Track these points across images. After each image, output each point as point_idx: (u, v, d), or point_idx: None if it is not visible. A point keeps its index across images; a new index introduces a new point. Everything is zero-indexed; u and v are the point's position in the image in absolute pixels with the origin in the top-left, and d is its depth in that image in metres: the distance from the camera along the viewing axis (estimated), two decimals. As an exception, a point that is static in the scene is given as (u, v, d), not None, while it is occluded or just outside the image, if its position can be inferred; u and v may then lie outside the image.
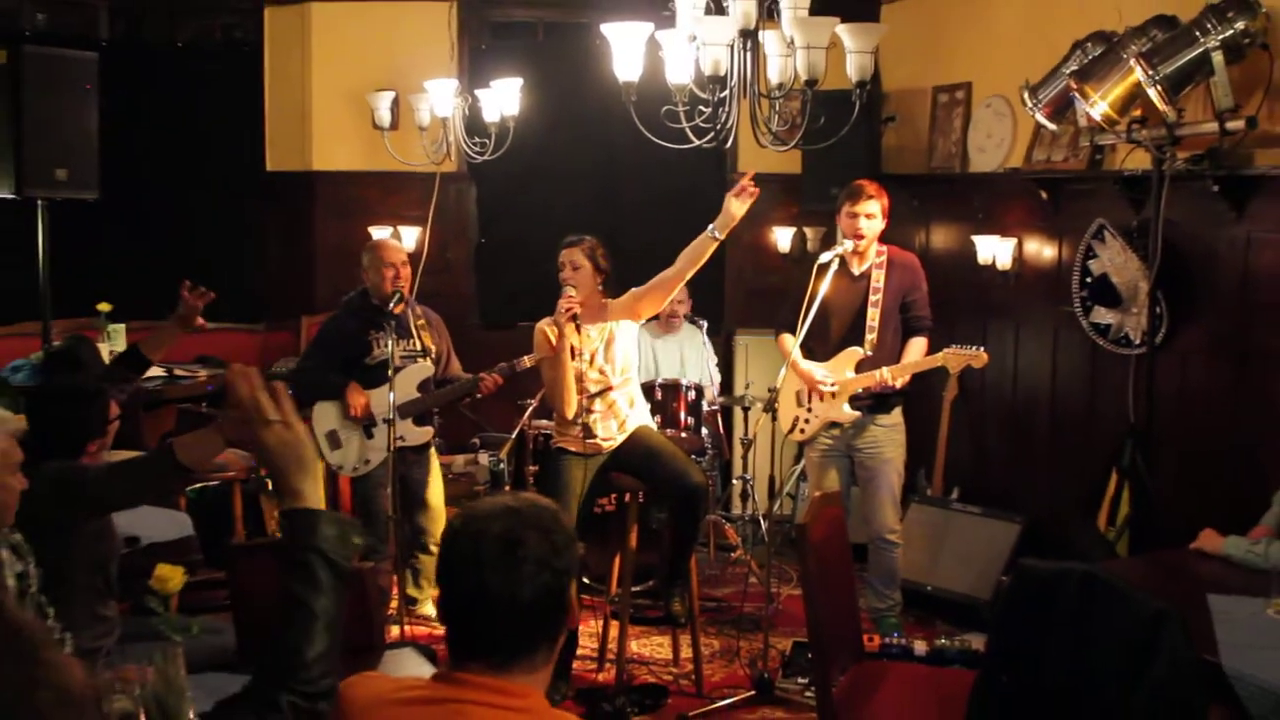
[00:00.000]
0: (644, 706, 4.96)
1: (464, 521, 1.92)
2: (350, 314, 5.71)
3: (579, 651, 5.36)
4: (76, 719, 1.53)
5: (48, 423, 3.72)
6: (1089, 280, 5.78)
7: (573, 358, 4.94)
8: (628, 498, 5.15)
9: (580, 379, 4.97)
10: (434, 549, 5.88)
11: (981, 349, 5.36)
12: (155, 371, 6.54)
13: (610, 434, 5.06)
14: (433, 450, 5.93)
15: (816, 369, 5.40)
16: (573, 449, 5.07)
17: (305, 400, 6.06)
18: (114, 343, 6.54)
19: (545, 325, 5.06)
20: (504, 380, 5.64)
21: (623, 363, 5.08)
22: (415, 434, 5.69)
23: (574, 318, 4.88)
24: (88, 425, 3.75)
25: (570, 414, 5.00)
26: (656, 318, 7.04)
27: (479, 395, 5.71)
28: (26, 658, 1.50)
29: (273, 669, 1.86)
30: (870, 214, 5.29)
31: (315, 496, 2.00)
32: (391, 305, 5.46)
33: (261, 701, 1.83)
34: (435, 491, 5.89)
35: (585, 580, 5.63)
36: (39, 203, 5.48)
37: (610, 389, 5.06)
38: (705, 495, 5.05)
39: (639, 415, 5.16)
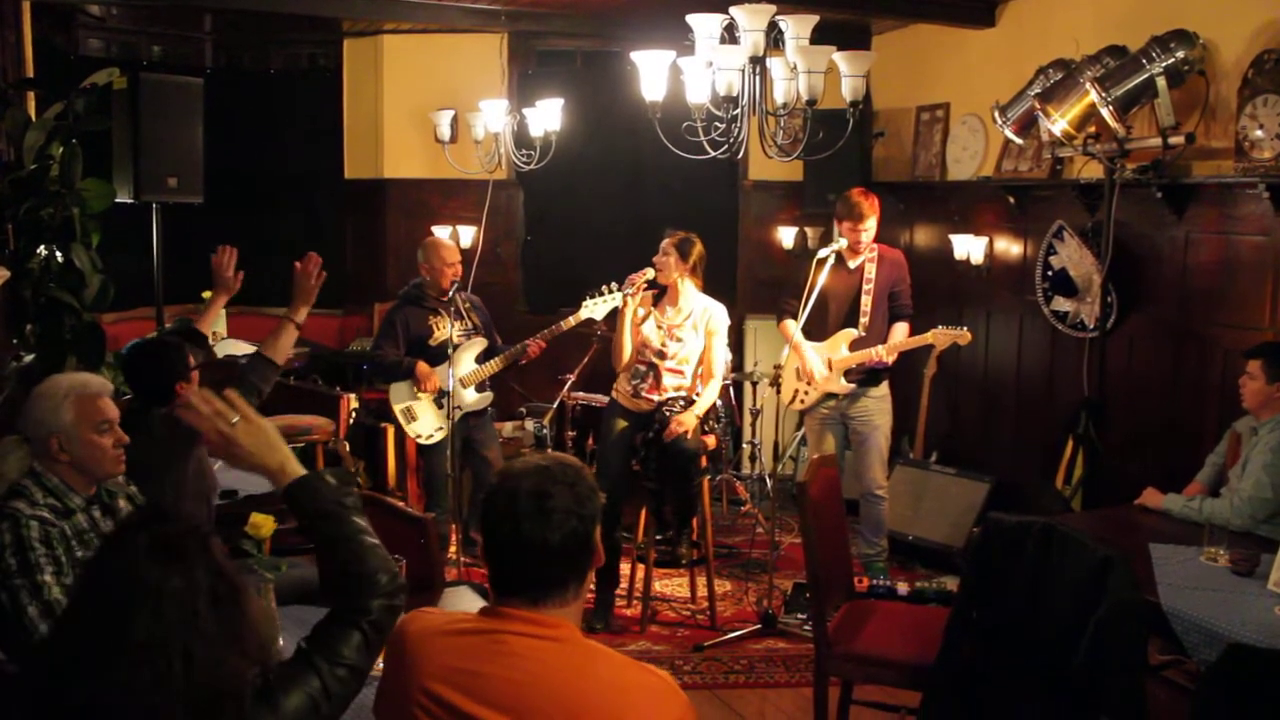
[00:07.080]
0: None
1: (501, 479, 1.90)
2: (409, 303, 5.67)
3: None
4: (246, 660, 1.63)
5: (143, 375, 3.82)
6: (1050, 273, 5.76)
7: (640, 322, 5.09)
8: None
9: (645, 346, 5.07)
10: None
11: (965, 329, 5.35)
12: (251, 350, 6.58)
13: (651, 401, 5.06)
14: (490, 414, 5.90)
15: (815, 359, 5.40)
16: (621, 402, 5.14)
17: (380, 381, 6.06)
18: (215, 324, 6.57)
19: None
20: (545, 345, 5.61)
21: (684, 353, 5.08)
22: (475, 400, 5.68)
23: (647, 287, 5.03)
24: (174, 371, 3.85)
25: (618, 368, 5.12)
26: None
27: (523, 363, 5.70)
28: (231, 602, 1.58)
29: (351, 590, 1.88)
30: (868, 228, 5.34)
31: (296, 463, 1.96)
32: (451, 294, 5.46)
33: (352, 612, 1.85)
34: (496, 450, 5.84)
35: (624, 534, 5.54)
36: (153, 206, 5.51)
37: (662, 363, 5.06)
38: (691, 458, 4.98)
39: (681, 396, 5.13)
